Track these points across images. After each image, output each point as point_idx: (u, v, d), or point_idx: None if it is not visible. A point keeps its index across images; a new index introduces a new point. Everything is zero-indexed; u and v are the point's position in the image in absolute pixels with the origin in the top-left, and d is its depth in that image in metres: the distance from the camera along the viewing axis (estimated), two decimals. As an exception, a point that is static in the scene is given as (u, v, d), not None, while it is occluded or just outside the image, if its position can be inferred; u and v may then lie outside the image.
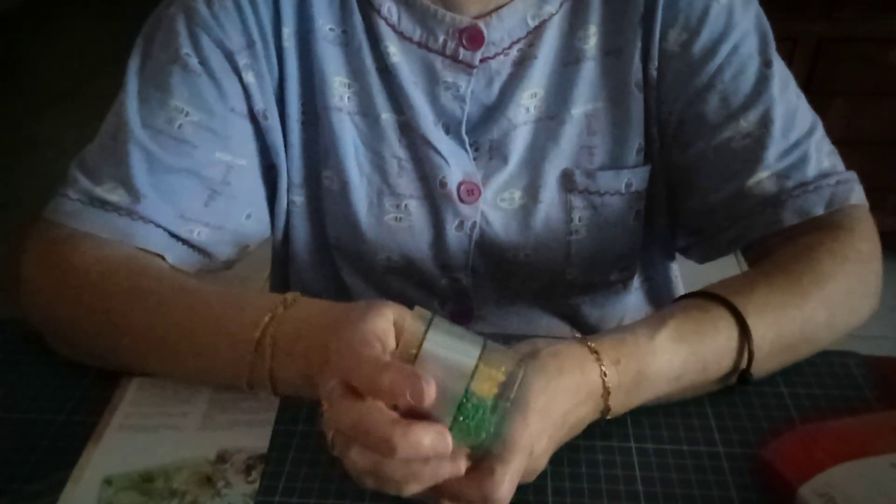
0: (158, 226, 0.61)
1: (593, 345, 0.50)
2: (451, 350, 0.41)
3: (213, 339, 0.52)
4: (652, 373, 0.51)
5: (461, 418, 0.41)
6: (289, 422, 0.55)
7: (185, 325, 0.53)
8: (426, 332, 0.41)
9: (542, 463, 0.47)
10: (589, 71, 0.65)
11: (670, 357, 0.52)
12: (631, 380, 0.51)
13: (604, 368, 0.49)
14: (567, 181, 0.68)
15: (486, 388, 0.41)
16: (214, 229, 0.65)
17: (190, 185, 0.63)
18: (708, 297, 0.55)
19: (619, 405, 0.51)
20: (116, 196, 0.60)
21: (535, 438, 0.45)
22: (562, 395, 0.47)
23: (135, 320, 0.55)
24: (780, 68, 0.64)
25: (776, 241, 0.62)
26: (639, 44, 0.64)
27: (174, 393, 0.57)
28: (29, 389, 0.58)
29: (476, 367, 0.41)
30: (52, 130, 2.77)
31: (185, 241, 0.63)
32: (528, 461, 0.44)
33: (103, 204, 0.60)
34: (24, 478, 0.51)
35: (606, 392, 0.50)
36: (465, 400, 0.41)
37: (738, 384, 0.56)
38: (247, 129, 0.65)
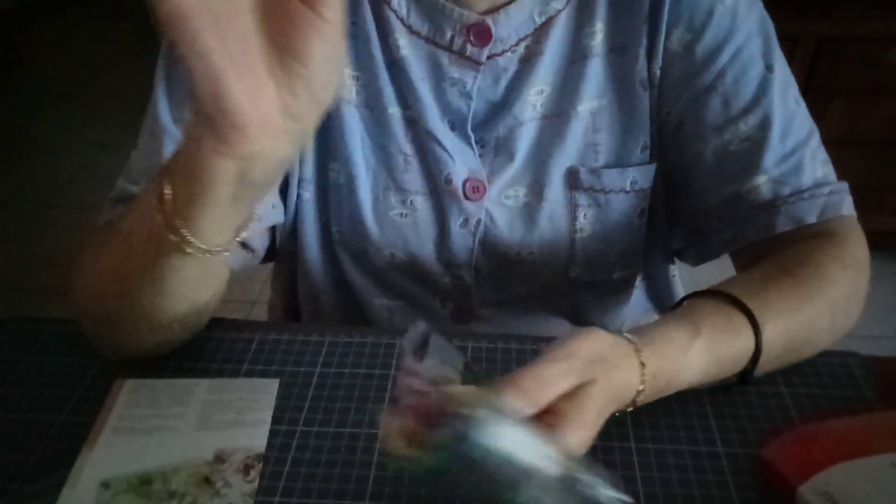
0: None
1: (643, 356, 0.50)
2: None
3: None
4: (676, 384, 0.52)
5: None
6: (288, 422, 0.55)
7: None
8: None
9: None
10: (595, 68, 0.65)
11: (696, 369, 0.52)
12: (657, 391, 0.52)
13: (644, 384, 0.49)
14: (572, 179, 0.68)
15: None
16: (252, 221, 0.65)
17: None
18: (728, 299, 0.55)
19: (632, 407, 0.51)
20: None
21: None
22: (602, 419, 0.48)
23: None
24: (781, 73, 0.63)
25: (768, 246, 0.62)
26: (644, 42, 0.63)
27: (168, 394, 0.57)
28: (29, 389, 0.58)
29: None
30: (52, 130, 2.76)
31: None
32: None
33: None
34: (24, 478, 0.51)
35: (633, 403, 0.50)
36: None
37: (738, 383, 0.56)
38: None
